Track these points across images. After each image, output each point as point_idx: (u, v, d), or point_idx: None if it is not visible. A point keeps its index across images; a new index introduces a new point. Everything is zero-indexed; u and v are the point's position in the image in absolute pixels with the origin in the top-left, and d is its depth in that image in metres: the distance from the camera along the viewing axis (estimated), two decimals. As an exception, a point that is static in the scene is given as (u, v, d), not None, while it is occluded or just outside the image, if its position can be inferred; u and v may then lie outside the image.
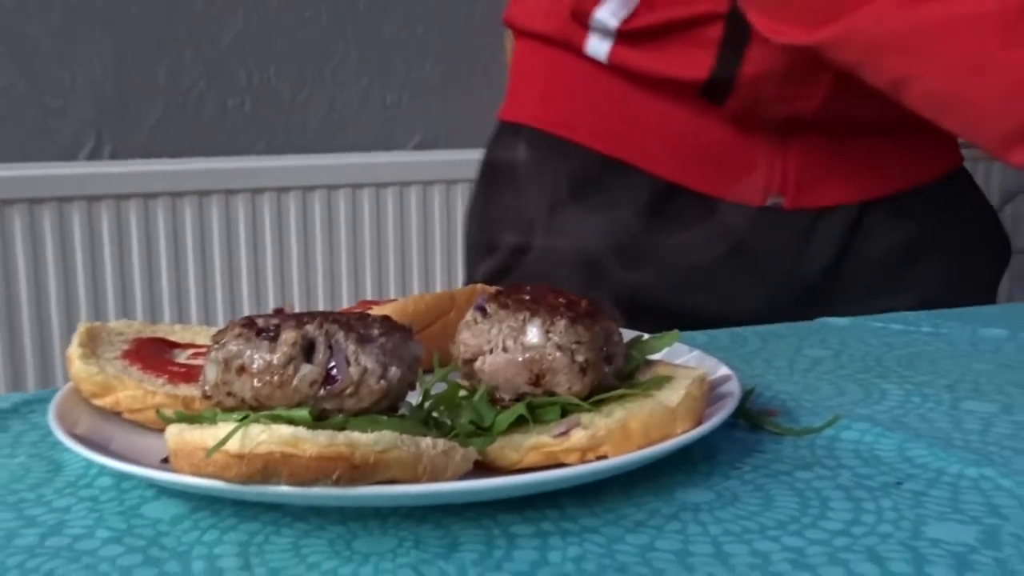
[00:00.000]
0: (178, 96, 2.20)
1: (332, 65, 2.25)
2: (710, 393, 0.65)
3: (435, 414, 0.58)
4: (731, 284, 0.93)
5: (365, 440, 0.49)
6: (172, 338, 0.70)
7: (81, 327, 0.67)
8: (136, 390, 0.62)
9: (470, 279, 1.09)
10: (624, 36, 0.95)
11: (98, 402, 0.63)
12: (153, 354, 0.66)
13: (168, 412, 0.55)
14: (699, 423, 0.59)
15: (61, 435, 0.57)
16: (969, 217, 1.05)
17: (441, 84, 2.28)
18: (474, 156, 1.14)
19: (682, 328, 0.69)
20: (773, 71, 0.87)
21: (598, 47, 0.97)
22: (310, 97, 2.26)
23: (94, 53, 2.14)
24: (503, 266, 1.00)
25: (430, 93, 2.27)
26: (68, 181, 2.09)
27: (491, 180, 1.09)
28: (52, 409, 0.61)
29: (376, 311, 0.71)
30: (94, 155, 2.18)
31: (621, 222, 0.92)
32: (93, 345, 0.66)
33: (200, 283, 2.18)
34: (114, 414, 0.63)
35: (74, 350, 0.65)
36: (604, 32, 0.96)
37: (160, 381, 0.63)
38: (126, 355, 0.66)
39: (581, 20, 0.98)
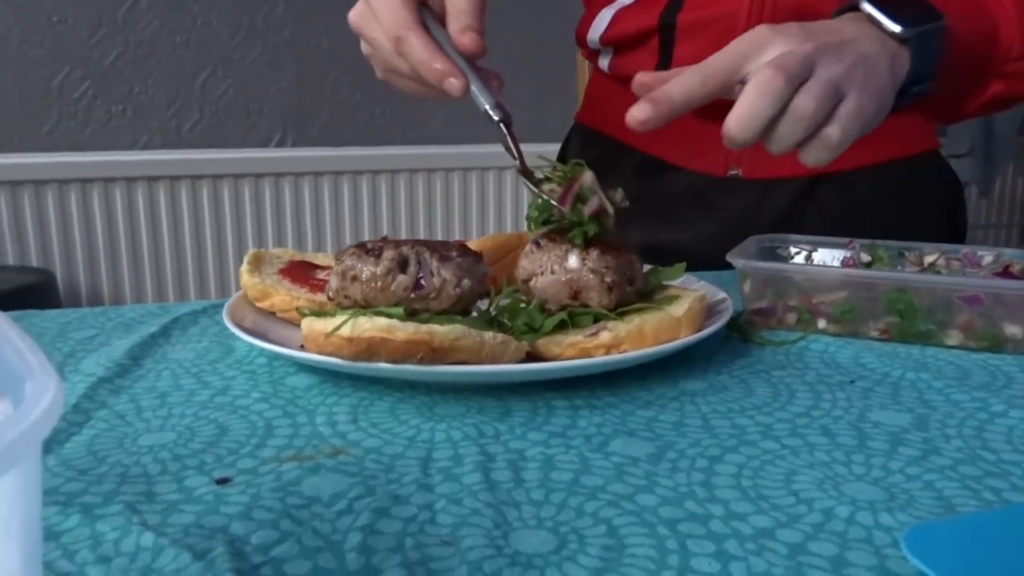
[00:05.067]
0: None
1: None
2: (710, 310, 0.62)
3: (499, 317, 0.57)
4: (698, 228, 0.89)
5: (442, 330, 0.48)
6: (316, 262, 0.70)
7: (251, 252, 0.68)
8: (286, 295, 0.62)
9: None
10: (609, 50, 0.93)
11: (259, 305, 0.63)
12: (300, 271, 0.66)
13: (305, 310, 0.54)
14: (699, 330, 0.57)
15: (231, 326, 0.58)
16: (925, 198, 0.93)
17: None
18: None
19: (660, 257, 0.67)
20: (698, 63, 0.83)
21: (603, 61, 0.95)
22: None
23: (281, 69, 2.16)
24: None
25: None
26: (261, 162, 2.13)
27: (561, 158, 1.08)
28: (226, 309, 0.61)
29: (473, 243, 0.70)
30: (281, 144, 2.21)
31: (626, 186, 0.90)
32: (258, 264, 0.67)
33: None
34: (271, 314, 0.63)
35: (244, 267, 0.65)
36: (602, 50, 0.94)
37: (304, 290, 0.63)
38: (281, 272, 0.66)
39: (583, 44, 0.96)
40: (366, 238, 2.22)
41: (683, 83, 0.58)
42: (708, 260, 0.79)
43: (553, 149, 1.07)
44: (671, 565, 0.34)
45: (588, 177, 0.58)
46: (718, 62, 0.58)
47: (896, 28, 0.62)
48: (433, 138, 2.30)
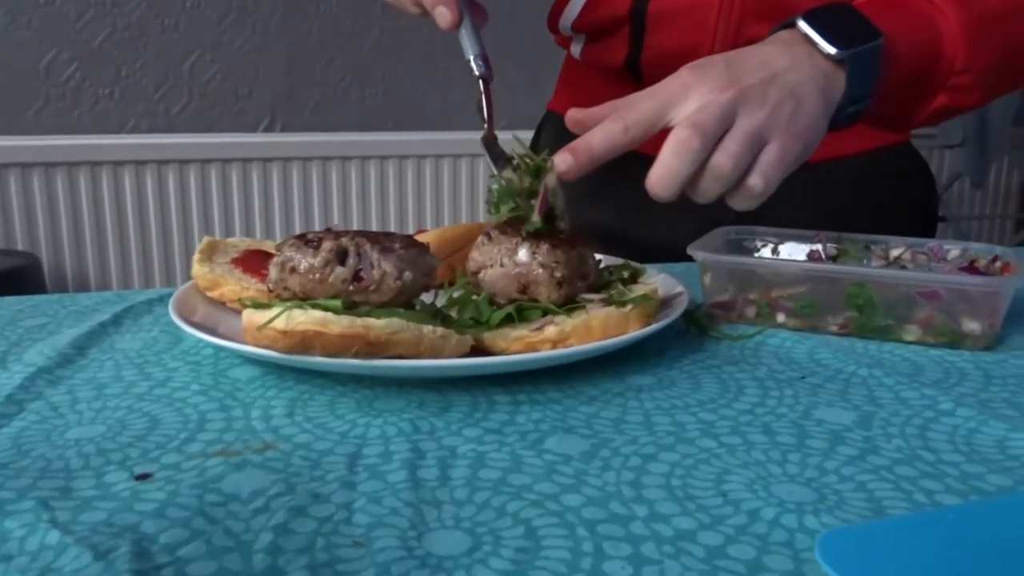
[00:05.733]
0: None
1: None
2: (664, 304, 0.62)
3: (446, 310, 0.56)
4: (669, 219, 0.88)
5: (378, 324, 0.47)
6: (271, 251, 0.69)
7: (204, 240, 0.67)
8: (236, 285, 0.61)
9: None
10: (582, 36, 0.92)
11: (209, 294, 0.63)
12: (253, 260, 0.65)
13: (247, 301, 0.54)
14: (648, 325, 0.56)
15: (174, 316, 0.57)
16: (896, 189, 0.93)
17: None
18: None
19: (630, 248, 0.66)
20: (668, 54, 0.82)
21: (576, 48, 0.94)
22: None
23: (272, 50, 2.15)
24: None
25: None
26: (250, 147, 2.12)
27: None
28: (173, 299, 0.60)
29: (422, 237, 0.69)
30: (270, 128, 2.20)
31: (598, 176, 0.90)
32: (211, 253, 0.66)
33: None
34: (222, 304, 0.63)
35: (196, 256, 0.64)
36: (575, 36, 0.93)
37: (255, 280, 0.63)
38: (234, 261, 0.66)
39: (555, 30, 0.95)
40: (355, 225, 2.21)
41: (605, 132, 0.58)
42: (679, 252, 0.78)
43: (527, 137, 1.06)
44: (582, 568, 0.33)
45: (552, 178, 0.57)
46: (639, 112, 0.58)
47: (831, 50, 0.61)
48: (425, 124, 2.28)
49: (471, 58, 0.60)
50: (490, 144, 0.65)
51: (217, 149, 2.12)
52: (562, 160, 0.57)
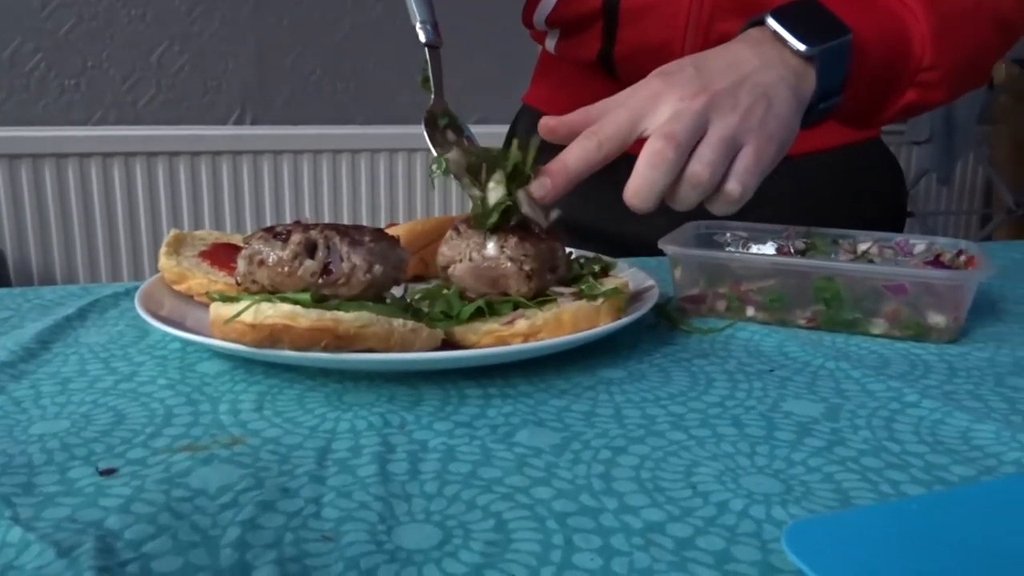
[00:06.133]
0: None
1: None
2: (635, 297, 0.62)
3: (417, 303, 0.56)
4: (643, 216, 0.89)
5: (347, 317, 0.47)
6: (240, 244, 0.69)
7: (171, 233, 0.66)
8: (203, 279, 0.61)
9: None
10: (556, 31, 0.92)
11: (176, 288, 0.62)
12: (221, 254, 0.65)
13: (215, 294, 0.53)
14: (619, 318, 0.56)
15: (140, 310, 0.56)
16: (868, 183, 0.93)
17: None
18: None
19: (612, 246, 0.66)
20: (641, 47, 0.82)
21: (550, 43, 0.94)
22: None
23: (242, 43, 2.12)
24: None
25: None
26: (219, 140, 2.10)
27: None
28: (139, 292, 0.60)
29: (393, 230, 0.69)
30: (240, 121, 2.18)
31: None
32: (178, 246, 0.65)
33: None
34: (189, 297, 0.62)
35: (163, 249, 0.64)
36: (549, 31, 0.93)
37: (223, 274, 0.62)
38: (202, 254, 0.65)
39: (529, 25, 0.95)
40: (327, 220, 2.19)
41: (578, 151, 0.57)
42: (652, 246, 0.78)
43: (502, 131, 1.06)
44: (552, 561, 0.33)
45: (522, 195, 0.56)
46: (612, 126, 0.58)
47: (801, 47, 0.62)
48: (397, 118, 2.27)
49: (417, 24, 0.58)
50: (437, 116, 0.62)
51: (186, 142, 2.09)
52: (539, 187, 0.56)
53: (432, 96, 0.62)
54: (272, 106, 2.19)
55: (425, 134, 0.61)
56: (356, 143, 2.20)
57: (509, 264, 0.54)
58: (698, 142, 0.57)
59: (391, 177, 2.24)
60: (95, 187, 2.05)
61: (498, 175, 0.55)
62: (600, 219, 0.91)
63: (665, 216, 0.80)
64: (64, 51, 2.04)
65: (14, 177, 2.00)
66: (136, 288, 0.69)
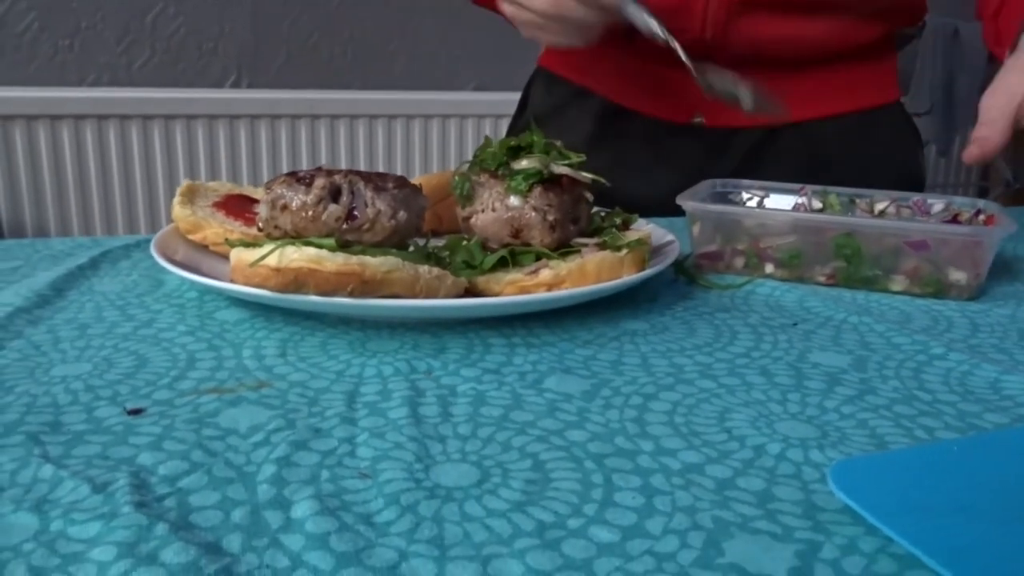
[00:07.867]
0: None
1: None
2: (656, 251, 0.61)
3: (438, 252, 0.55)
4: (657, 175, 0.88)
5: (373, 262, 0.46)
6: (253, 196, 0.68)
7: (184, 183, 0.65)
8: (219, 228, 0.60)
9: None
10: None
11: (191, 237, 0.61)
12: (236, 204, 0.64)
13: (234, 240, 0.52)
14: (642, 270, 0.56)
15: (158, 257, 0.55)
16: (884, 149, 0.92)
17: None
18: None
19: (610, 206, 0.65)
20: (658, 7, 0.81)
21: None
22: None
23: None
24: None
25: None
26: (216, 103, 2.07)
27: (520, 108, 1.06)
28: (155, 241, 0.59)
29: (415, 180, 0.68)
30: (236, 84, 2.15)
31: (584, 131, 0.88)
32: (191, 197, 0.64)
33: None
34: (204, 247, 0.61)
35: (176, 199, 0.63)
36: None
37: (238, 223, 0.61)
38: (216, 204, 0.64)
39: None
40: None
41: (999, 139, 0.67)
42: (668, 207, 0.78)
43: (515, 97, 1.04)
44: (594, 499, 0.33)
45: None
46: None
47: None
48: (395, 83, 2.24)
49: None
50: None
51: (182, 104, 2.06)
52: (969, 155, 0.67)
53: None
54: (268, 70, 2.16)
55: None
56: (353, 108, 2.18)
57: (533, 214, 0.54)
58: None
59: (389, 143, 2.22)
60: (90, 149, 2.02)
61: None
62: (608, 179, 0.90)
63: (670, 175, 0.80)
64: (57, 11, 2.00)
65: (8, 138, 1.97)
66: (147, 240, 0.68)
